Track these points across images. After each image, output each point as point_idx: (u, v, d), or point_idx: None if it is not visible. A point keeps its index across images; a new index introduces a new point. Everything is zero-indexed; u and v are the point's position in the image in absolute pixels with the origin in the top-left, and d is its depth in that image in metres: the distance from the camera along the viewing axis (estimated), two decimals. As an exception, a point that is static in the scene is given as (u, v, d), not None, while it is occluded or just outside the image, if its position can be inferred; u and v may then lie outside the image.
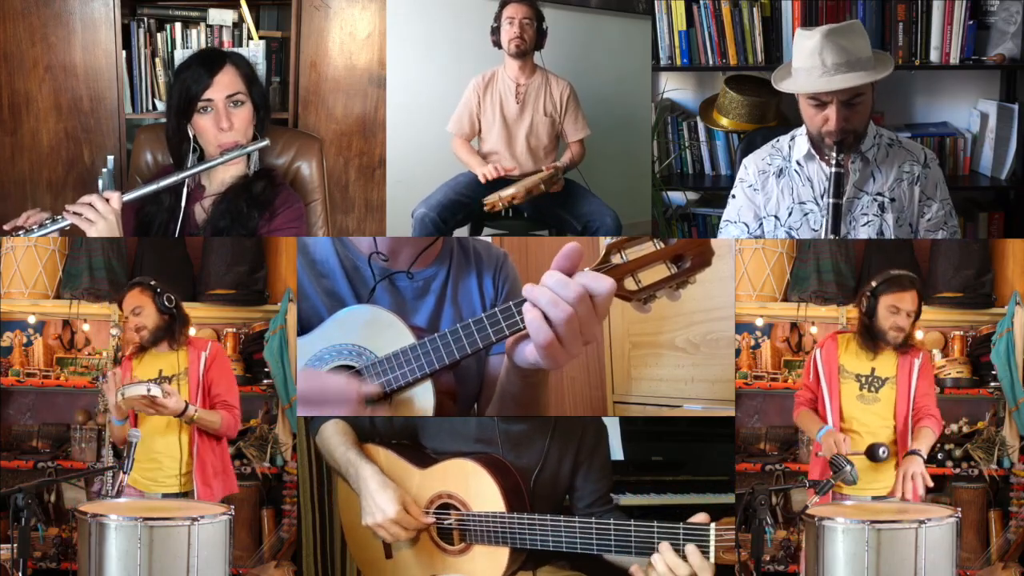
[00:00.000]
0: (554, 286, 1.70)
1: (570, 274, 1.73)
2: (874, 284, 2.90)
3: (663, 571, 1.97)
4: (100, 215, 2.56)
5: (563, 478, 2.37)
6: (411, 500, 2.31)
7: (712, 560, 1.96)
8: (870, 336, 2.90)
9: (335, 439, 2.42)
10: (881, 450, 2.65)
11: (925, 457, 2.77)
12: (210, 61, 2.81)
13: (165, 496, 2.95)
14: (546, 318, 1.71)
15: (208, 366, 3.01)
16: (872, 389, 2.90)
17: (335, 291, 2.25)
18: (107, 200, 2.57)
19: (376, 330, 2.11)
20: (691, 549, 1.96)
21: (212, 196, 2.87)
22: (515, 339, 1.89)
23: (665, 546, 1.97)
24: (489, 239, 3.70)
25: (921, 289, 2.90)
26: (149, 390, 2.81)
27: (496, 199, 3.67)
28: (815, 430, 2.93)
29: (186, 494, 2.97)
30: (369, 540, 2.39)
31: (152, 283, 3.01)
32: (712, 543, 1.95)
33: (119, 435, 2.99)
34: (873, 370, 2.91)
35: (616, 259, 1.80)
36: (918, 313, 2.90)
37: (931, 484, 2.70)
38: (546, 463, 2.33)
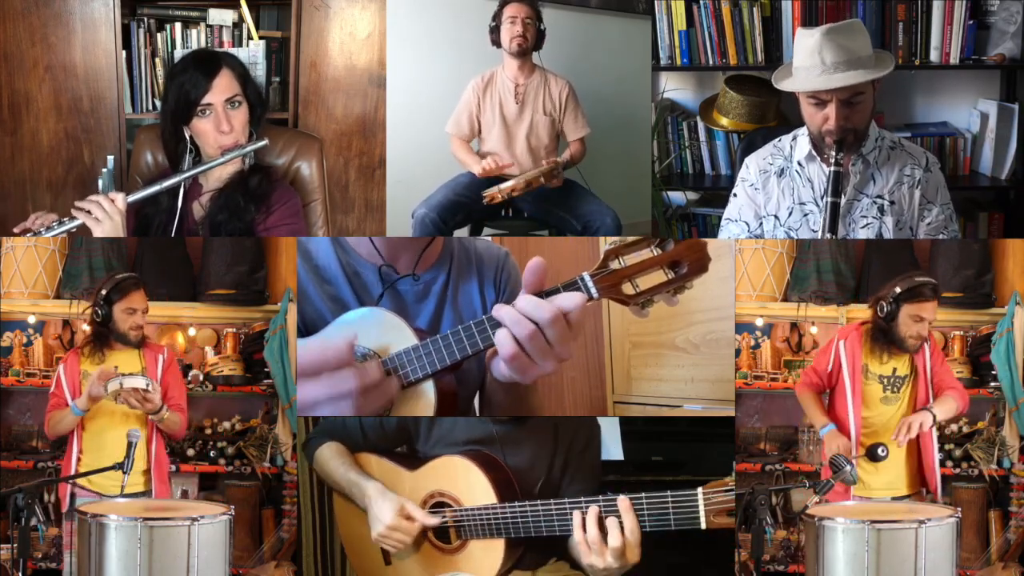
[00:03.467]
0: (525, 307, 1.80)
1: (539, 289, 1.84)
2: (898, 291, 2.87)
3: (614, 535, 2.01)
4: (107, 215, 2.59)
5: (555, 476, 2.37)
6: (411, 506, 2.31)
7: (703, 525, 1.97)
8: (886, 339, 2.90)
9: (333, 462, 2.44)
10: (880, 449, 2.65)
11: (937, 417, 2.80)
12: (206, 65, 2.83)
13: (126, 496, 2.90)
14: (513, 336, 1.80)
15: (165, 369, 3.06)
16: (895, 390, 2.92)
17: (338, 296, 2.26)
18: (112, 200, 2.61)
19: (380, 332, 2.11)
20: (612, 523, 2.01)
21: (209, 192, 2.90)
22: (492, 353, 1.96)
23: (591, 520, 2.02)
24: (489, 239, 3.70)
25: (939, 299, 2.91)
26: (148, 385, 2.86)
27: (496, 191, 3.69)
28: (819, 421, 2.94)
29: (146, 493, 2.99)
30: (367, 548, 2.39)
31: (143, 281, 3.07)
32: (701, 508, 1.96)
33: (70, 425, 2.98)
34: (895, 370, 2.92)
35: (614, 264, 1.85)
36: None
37: (926, 430, 2.73)
38: (539, 464, 2.33)
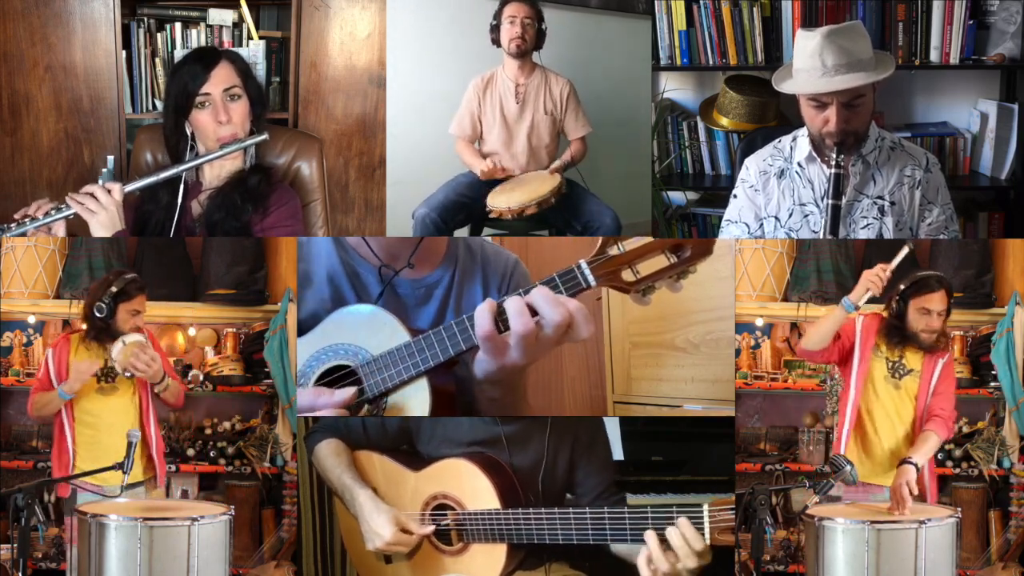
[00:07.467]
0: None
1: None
2: (902, 287, 2.84)
3: (679, 544, 1.96)
4: (102, 206, 2.58)
5: (560, 476, 2.37)
6: (405, 518, 2.30)
7: (707, 541, 1.95)
8: (901, 336, 2.87)
9: (329, 461, 2.43)
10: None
11: (920, 466, 2.70)
12: (206, 57, 2.84)
13: (130, 486, 2.88)
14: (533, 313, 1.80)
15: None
16: (897, 375, 2.87)
17: (339, 296, 2.27)
18: (109, 191, 2.60)
19: (373, 330, 2.11)
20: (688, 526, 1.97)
21: (209, 191, 2.88)
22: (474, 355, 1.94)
23: (684, 521, 1.96)
24: (499, 244, 3.69)
25: (950, 287, 2.86)
26: (146, 339, 2.88)
27: (505, 210, 3.67)
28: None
29: (151, 479, 2.99)
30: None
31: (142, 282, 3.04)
32: (707, 523, 1.95)
33: (53, 408, 2.97)
34: (901, 357, 2.87)
35: (612, 251, 1.78)
36: (948, 311, 2.86)
37: (916, 492, 2.65)
38: (547, 462, 2.33)
